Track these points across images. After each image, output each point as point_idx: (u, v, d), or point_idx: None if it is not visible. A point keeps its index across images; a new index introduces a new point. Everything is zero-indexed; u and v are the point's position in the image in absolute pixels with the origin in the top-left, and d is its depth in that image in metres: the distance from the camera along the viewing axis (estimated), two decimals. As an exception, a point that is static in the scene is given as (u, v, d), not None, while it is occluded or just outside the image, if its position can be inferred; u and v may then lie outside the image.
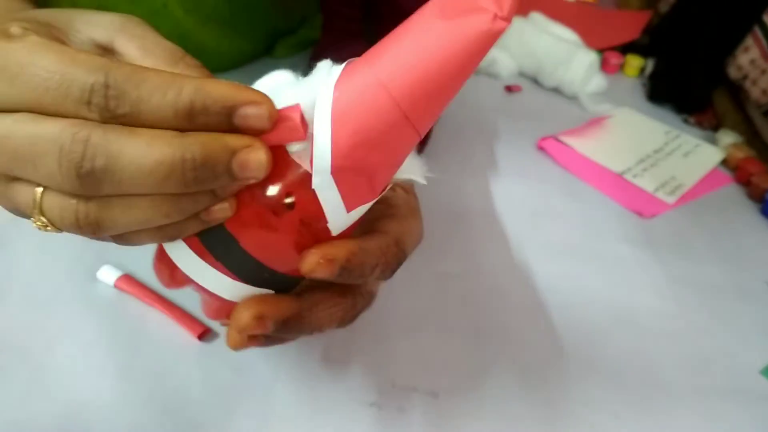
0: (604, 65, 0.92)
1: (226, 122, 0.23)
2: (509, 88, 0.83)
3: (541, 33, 0.85)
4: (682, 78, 0.87)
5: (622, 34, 0.99)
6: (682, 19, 0.91)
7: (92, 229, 0.24)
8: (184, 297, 0.43)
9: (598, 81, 0.83)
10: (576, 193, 0.65)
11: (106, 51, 0.26)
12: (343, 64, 0.26)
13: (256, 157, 0.24)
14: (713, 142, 0.79)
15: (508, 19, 0.23)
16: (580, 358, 0.46)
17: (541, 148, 0.71)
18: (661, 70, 0.90)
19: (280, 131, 0.25)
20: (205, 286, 0.29)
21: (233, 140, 0.24)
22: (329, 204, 0.26)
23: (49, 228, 0.25)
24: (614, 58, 0.93)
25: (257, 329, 0.28)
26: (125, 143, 0.22)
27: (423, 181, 0.31)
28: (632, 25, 1.02)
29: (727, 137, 0.78)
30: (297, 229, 0.26)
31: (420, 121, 0.25)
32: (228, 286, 0.29)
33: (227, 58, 0.69)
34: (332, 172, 0.25)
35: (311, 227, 0.27)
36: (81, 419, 0.35)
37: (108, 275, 0.42)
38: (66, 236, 0.45)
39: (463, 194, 0.61)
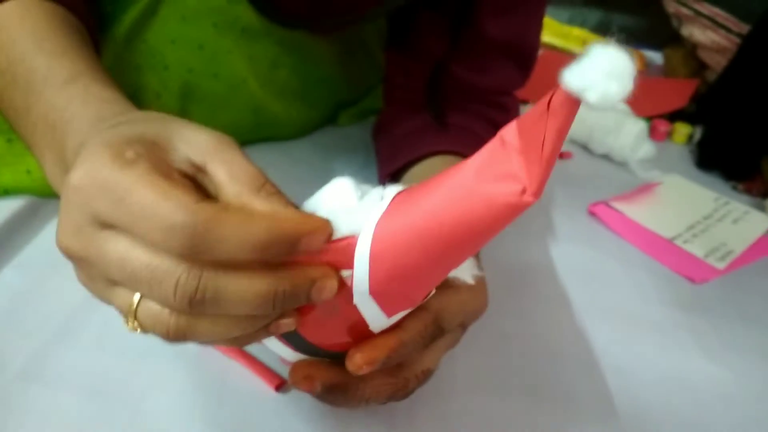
0: (653, 133, 0.95)
1: (294, 249, 0.27)
2: (560, 155, 0.86)
3: (591, 102, 0.88)
4: (730, 146, 0.89)
5: (670, 102, 1.02)
6: (730, 88, 0.94)
7: (178, 338, 0.28)
8: (263, 351, 0.46)
9: (647, 148, 0.86)
10: (628, 258, 0.67)
11: (199, 170, 0.30)
12: (390, 196, 0.29)
13: (331, 285, 0.29)
14: (762, 209, 0.81)
15: (536, 195, 0.24)
16: (635, 422, 0.48)
17: (592, 214, 0.73)
18: (709, 138, 0.92)
19: (336, 257, 0.29)
20: (273, 351, 0.36)
21: (313, 272, 0.28)
22: (370, 314, 0.31)
23: (138, 331, 0.29)
24: (662, 126, 0.96)
25: (306, 388, 0.35)
26: (230, 280, 0.26)
27: (471, 281, 0.35)
28: (680, 93, 1.05)
29: (776, 205, 0.80)
30: (344, 325, 0.32)
31: (447, 263, 0.29)
32: (290, 354, 0.36)
33: (296, 127, 0.74)
34: (370, 293, 0.29)
35: (356, 326, 0.32)
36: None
37: None
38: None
39: (522, 257, 0.64)
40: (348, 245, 0.28)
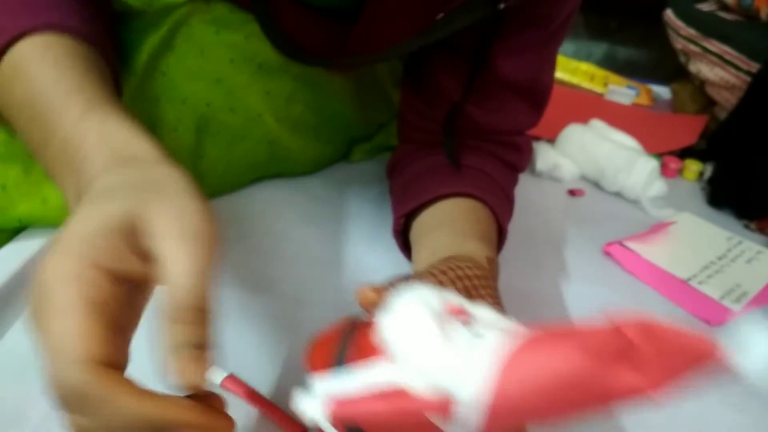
0: (663, 169, 0.95)
1: None
2: (572, 192, 0.86)
3: (602, 139, 0.89)
4: (742, 184, 0.89)
5: (680, 139, 1.03)
6: (741, 126, 0.94)
7: None
8: (283, 399, 0.46)
9: (659, 186, 0.86)
10: (643, 300, 0.67)
11: (149, 259, 0.31)
12: (491, 349, 0.28)
13: None
14: (775, 249, 0.80)
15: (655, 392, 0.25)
16: None
17: (607, 253, 0.73)
18: (720, 176, 0.92)
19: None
20: None
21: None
22: None
23: None
24: (673, 163, 0.96)
25: None
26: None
27: None
28: (689, 129, 1.06)
29: (789, 244, 0.80)
30: None
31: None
32: None
33: (310, 162, 0.74)
34: None
35: None
36: None
37: (215, 375, 0.45)
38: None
39: (537, 297, 0.63)
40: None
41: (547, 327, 0.29)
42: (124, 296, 0.31)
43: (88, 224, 0.30)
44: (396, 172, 0.66)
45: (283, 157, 0.71)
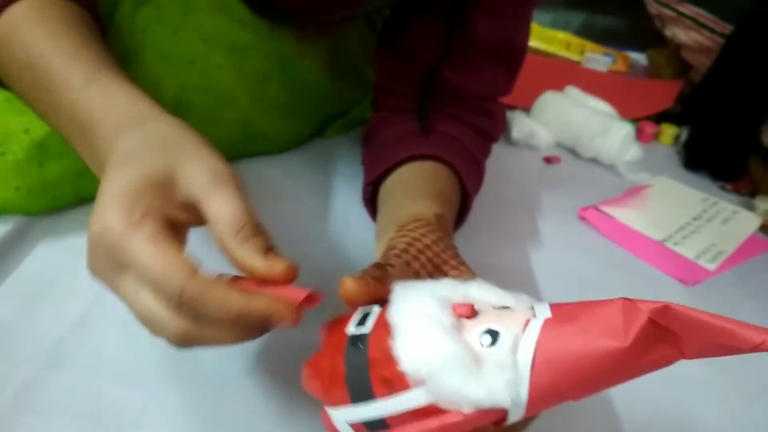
0: (639, 134, 0.95)
1: (265, 325, 0.34)
2: (548, 159, 0.86)
3: (577, 106, 0.89)
4: (717, 146, 0.90)
5: (655, 104, 1.03)
6: (715, 88, 0.95)
7: (186, 347, 0.34)
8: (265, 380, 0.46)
9: (634, 150, 0.86)
10: (619, 262, 0.67)
11: (193, 207, 0.35)
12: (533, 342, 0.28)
13: (283, 315, 0.33)
14: (750, 208, 0.81)
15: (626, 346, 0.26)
16: (629, 422, 0.48)
17: (582, 218, 0.74)
18: (696, 139, 0.93)
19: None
20: None
21: (273, 311, 0.33)
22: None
23: None
24: (649, 128, 0.96)
25: None
26: (208, 331, 0.33)
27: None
28: (664, 94, 1.06)
29: (764, 203, 0.80)
30: None
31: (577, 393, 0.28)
32: None
33: (284, 140, 0.74)
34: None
35: None
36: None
37: None
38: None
39: (513, 262, 0.64)
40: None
41: (559, 308, 0.29)
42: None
43: (130, 183, 0.34)
44: (368, 141, 0.66)
45: (258, 137, 0.70)
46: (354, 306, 0.35)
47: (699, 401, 0.51)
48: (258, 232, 0.35)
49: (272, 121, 0.70)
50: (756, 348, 0.24)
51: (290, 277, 0.34)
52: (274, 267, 0.34)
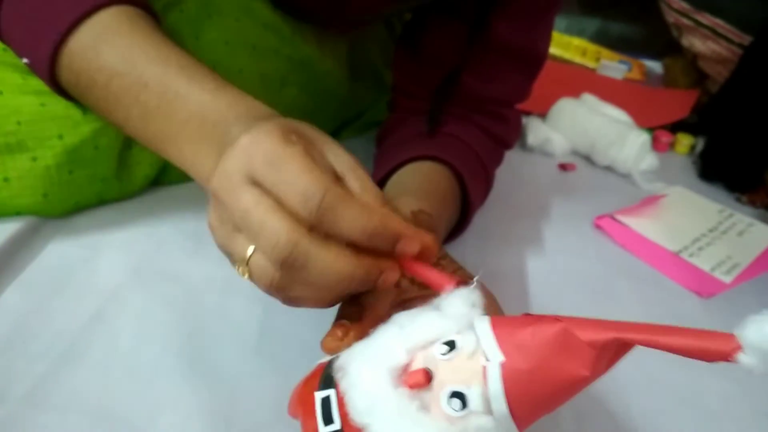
0: (655, 143, 0.95)
1: (392, 245, 0.34)
2: (563, 167, 0.86)
3: (594, 113, 0.88)
4: (733, 157, 0.89)
5: (671, 113, 1.02)
6: (732, 99, 0.94)
7: (277, 292, 0.34)
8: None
9: (650, 160, 0.85)
10: (634, 272, 0.67)
11: (338, 179, 0.35)
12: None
13: (394, 276, 0.35)
14: (766, 221, 0.80)
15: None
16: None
17: (597, 226, 0.73)
18: (712, 149, 0.92)
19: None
20: None
21: (384, 264, 0.34)
22: None
23: (246, 278, 0.34)
24: (665, 137, 0.96)
25: None
26: (318, 254, 0.32)
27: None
28: (681, 103, 1.05)
29: (780, 216, 0.80)
30: None
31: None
32: None
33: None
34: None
35: None
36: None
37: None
38: (163, 310, 0.48)
39: (524, 270, 0.63)
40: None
41: (506, 338, 0.29)
42: None
43: (282, 123, 0.35)
44: (380, 141, 0.67)
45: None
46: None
47: (715, 417, 0.51)
48: (398, 210, 0.38)
49: (293, 122, 0.70)
50: (722, 359, 0.25)
51: (430, 242, 0.35)
52: (418, 230, 0.35)
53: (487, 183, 0.65)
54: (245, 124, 0.38)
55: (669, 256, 0.70)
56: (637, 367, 0.54)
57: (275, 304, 0.36)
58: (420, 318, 0.32)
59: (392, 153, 0.60)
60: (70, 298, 0.49)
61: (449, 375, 0.29)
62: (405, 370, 0.30)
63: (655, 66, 1.33)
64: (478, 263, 0.61)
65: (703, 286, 0.66)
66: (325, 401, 0.32)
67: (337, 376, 0.32)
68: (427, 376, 0.29)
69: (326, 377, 0.33)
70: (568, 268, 0.65)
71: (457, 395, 0.28)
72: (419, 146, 0.59)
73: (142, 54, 0.43)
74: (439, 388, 0.29)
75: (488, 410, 0.28)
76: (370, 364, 0.31)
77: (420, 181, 0.56)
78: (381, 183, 0.59)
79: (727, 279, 0.67)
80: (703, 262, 0.70)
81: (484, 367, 0.28)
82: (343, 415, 0.30)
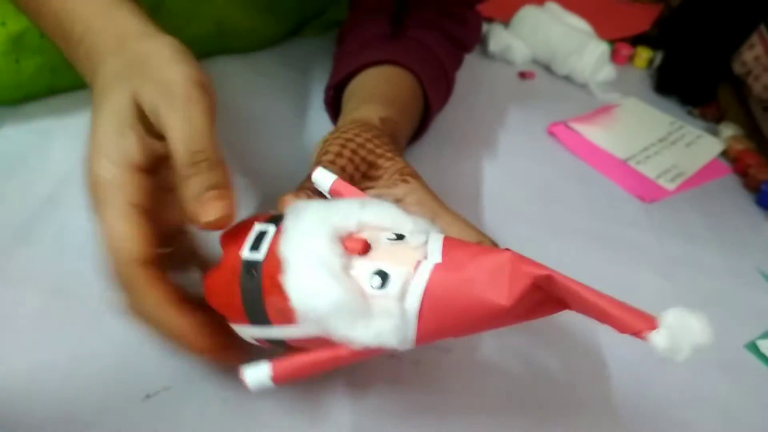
0: (615, 56, 0.96)
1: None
2: (523, 74, 0.86)
3: (556, 22, 0.88)
4: (689, 71, 0.90)
5: (633, 26, 1.03)
6: (691, 15, 0.95)
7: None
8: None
9: (608, 71, 0.86)
10: (582, 177, 0.69)
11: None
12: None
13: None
14: (715, 133, 0.83)
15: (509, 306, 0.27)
16: (580, 331, 0.50)
17: (551, 133, 0.75)
18: (669, 63, 0.93)
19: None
20: None
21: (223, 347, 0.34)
22: None
23: None
24: (624, 49, 0.96)
25: None
26: (145, 294, 0.32)
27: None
28: (643, 17, 1.06)
29: (729, 130, 0.82)
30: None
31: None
32: None
33: (260, 38, 0.72)
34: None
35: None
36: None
37: (324, 178, 0.38)
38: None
39: (477, 174, 0.65)
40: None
41: (451, 249, 0.30)
42: (157, 184, 0.34)
43: (110, 126, 0.33)
44: (341, 43, 0.66)
45: (232, 35, 0.69)
46: None
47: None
48: (204, 166, 0.33)
49: (247, 18, 0.69)
50: (634, 334, 0.26)
51: (220, 227, 0.33)
52: (207, 214, 0.32)
53: (447, 87, 0.65)
54: (89, 63, 0.38)
55: (617, 163, 0.72)
56: (577, 262, 0.56)
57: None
58: (385, 206, 0.33)
59: (352, 55, 0.60)
60: (22, 181, 0.49)
61: (384, 256, 0.30)
62: (349, 236, 0.31)
63: (622, -20, 1.32)
64: (433, 165, 0.62)
65: (647, 191, 0.68)
66: (262, 234, 0.32)
67: (287, 217, 0.32)
68: (366, 247, 0.30)
69: (275, 216, 0.33)
70: (520, 172, 0.67)
71: (381, 275, 0.29)
72: (381, 50, 0.59)
73: None
74: (369, 263, 0.30)
75: (400, 300, 0.29)
76: (319, 217, 0.31)
77: (383, 86, 0.56)
78: (341, 85, 0.59)
79: (671, 186, 0.70)
80: (649, 169, 0.72)
81: (419, 261, 0.29)
82: (271, 251, 0.31)
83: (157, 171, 0.34)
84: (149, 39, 0.37)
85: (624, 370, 0.47)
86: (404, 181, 0.41)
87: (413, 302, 0.29)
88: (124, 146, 0.33)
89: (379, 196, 0.40)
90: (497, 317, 0.28)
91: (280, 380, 0.31)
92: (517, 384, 0.44)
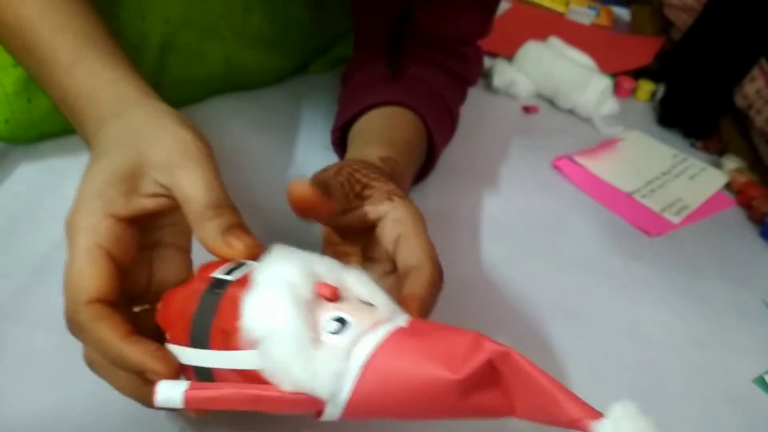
0: (617, 89, 0.97)
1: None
2: (527, 109, 0.88)
3: (559, 57, 0.90)
4: (691, 104, 0.91)
5: (635, 59, 1.04)
6: (692, 48, 0.96)
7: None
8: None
9: (611, 104, 0.87)
10: (588, 211, 0.70)
11: (168, 191, 0.35)
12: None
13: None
14: (718, 166, 0.84)
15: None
16: (588, 364, 0.51)
17: (556, 167, 0.76)
18: (672, 96, 0.95)
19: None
20: None
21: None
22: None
23: None
24: (627, 83, 0.98)
25: None
26: (110, 378, 0.34)
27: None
28: (645, 50, 1.07)
29: (732, 162, 0.83)
30: None
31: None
32: None
33: (267, 75, 0.74)
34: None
35: None
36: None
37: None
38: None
39: (482, 208, 0.66)
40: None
41: (417, 323, 0.30)
42: (136, 233, 0.36)
43: (99, 179, 0.34)
44: (344, 83, 0.67)
45: (241, 72, 0.70)
46: (300, 215, 0.38)
47: (654, 346, 0.54)
48: (224, 211, 0.35)
49: (255, 55, 0.70)
50: (572, 423, 0.24)
51: (252, 255, 0.34)
52: (233, 246, 0.34)
53: (452, 123, 0.66)
54: (87, 134, 0.39)
55: (622, 196, 0.73)
56: (582, 296, 0.57)
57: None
58: (366, 278, 0.32)
59: (356, 96, 0.61)
60: (38, 222, 0.50)
61: (349, 309, 0.29)
62: (324, 283, 0.30)
63: (622, 13, 1.34)
64: (438, 201, 0.63)
65: (653, 225, 0.69)
66: (241, 264, 0.33)
67: (271, 255, 0.31)
68: (335, 295, 0.30)
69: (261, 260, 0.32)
70: (526, 206, 0.68)
71: (340, 320, 0.28)
72: (382, 91, 0.60)
73: (26, 13, 0.42)
74: (333, 309, 0.29)
75: (349, 349, 0.27)
76: (303, 260, 0.31)
77: (385, 127, 0.57)
78: (345, 127, 0.60)
79: (676, 219, 0.71)
80: (654, 203, 0.73)
81: (379, 320, 0.29)
82: (244, 278, 0.31)
83: (137, 226, 0.36)
84: (152, 103, 0.39)
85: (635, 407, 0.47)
86: (389, 199, 0.42)
87: (361, 354, 0.27)
88: (108, 195, 0.34)
89: (365, 213, 0.41)
90: (441, 395, 0.26)
91: (191, 404, 0.29)
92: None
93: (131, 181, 0.35)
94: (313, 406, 0.28)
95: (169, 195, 0.35)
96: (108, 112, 0.39)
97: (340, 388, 0.27)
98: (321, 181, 0.39)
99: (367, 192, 0.43)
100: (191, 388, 0.29)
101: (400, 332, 0.28)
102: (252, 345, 0.28)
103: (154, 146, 0.36)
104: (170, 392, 0.29)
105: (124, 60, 0.42)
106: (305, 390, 0.27)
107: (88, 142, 0.39)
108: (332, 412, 0.28)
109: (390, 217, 0.41)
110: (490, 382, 0.26)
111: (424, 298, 0.36)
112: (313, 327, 0.28)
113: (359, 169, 0.44)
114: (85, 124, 0.40)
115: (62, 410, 0.38)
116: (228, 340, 0.29)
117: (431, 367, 0.26)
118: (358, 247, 0.44)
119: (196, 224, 0.34)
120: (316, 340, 0.28)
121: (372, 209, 0.42)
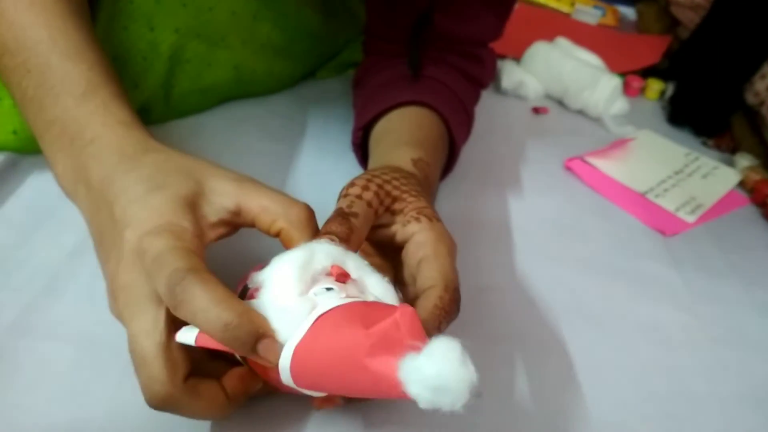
0: (626, 88, 0.96)
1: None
2: (536, 110, 0.87)
3: (567, 57, 0.89)
4: (702, 102, 0.91)
5: (643, 59, 1.04)
6: (702, 45, 0.95)
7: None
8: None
9: (621, 104, 0.87)
10: (601, 212, 0.69)
11: (236, 214, 0.38)
12: (315, 315, 0.31)
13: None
14: (731, 164, 0.83)
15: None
16: (607, 366, 0.50)
17: (568, 168, 0.75)
18: (681, 94, 0.94)
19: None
20: None
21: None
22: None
23: None
24: (636, 82, 0.97)
25: (330, 405, 0.38)
26: (190, 406, 0.34)
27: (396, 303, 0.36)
28: (653, 49, 1.06)
29: (744, 160, 0.82)
30: None
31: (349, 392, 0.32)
32: None
33: (276, 82, 0.73)
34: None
35: None
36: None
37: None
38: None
39: (496, 211, 0.65)
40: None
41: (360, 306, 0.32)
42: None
43: (170, 203, 0.35)
44: (359, 85, 0.67)
45: (250, 80, 0.70)
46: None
47: (672, 346, 0.54)
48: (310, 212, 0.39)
49: (264, 63, 0.70)
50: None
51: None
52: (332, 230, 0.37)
53: (469, 126, 0.66)
54: (97, 163, 0.38)
55: (636, 196, 0.72)
56: (599, 299, 0.56)
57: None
58: (386, 282, 0.36)
59: (376, 97, 0.60)
60: (51, 231, 0.49)
61: (349, 290, 0.34)
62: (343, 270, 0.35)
63: (628, 12, 1.33)
64: (451, 205, 0.63)
65: (668, 225, 0.68)
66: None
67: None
68: (344, 278, 0.34)
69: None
70: (539, 207, 0.67)
71: (328, 289, 0.33)
72: (405, 91, 0.59)
73: (30, 36, 0.42)
74: (330, 283, 0.34)
75: (311, 314, 0.31)
76: (325, 246, 0.35)
77: (411, 128, 0.57)
78: (367, 128, 0.60)
79: (691, 219, 0.70)
80: (668, 202, 0.72)
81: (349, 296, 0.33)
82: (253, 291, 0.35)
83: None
84: (173, 151, 0.40)
85: (656, 408, 0.47)
86: (417, 219, 0.41)
87: (318, 311, 0.31)
88: (183, 225, 0.35)
89: (393, 234, 0.42)
90: (355, 345, 0.29)
91: (200, 343, 0.33)
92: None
93: (196, 211, 0.36)
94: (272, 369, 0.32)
95: (227, 224, 0.37)
96: (131, 147, 0.39)
97: (290, 346, 0.31)
98: (339, 227, 0.39)
99: (397, 206, 0.42)
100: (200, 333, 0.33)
101: (359, 303, 0.32)
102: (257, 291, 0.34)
103: (210, 177, 0.37)
104: (187, 335, 0.33)
105: (129, 103, 0.43)
106: (268, 332, 0.31)
107: (76, 168, 0.39)
108: (283, 373, 0.32)
109: (415, 239, 0.40)
110: (393, 342, 0.29)
111: (426, 321, 0.35)
112: (307, 287, 0.33)
113: (390, 180, 0.43)
114: (88, 154, 0.39)
115: (78, 424, 0.37)
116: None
117: (355, 325, 0.30)
118: (389, 263, 0.44)
119: (297, 229, 0.37)
120: (303, 294, 0.32)
121: (400, 230, 0.41)
